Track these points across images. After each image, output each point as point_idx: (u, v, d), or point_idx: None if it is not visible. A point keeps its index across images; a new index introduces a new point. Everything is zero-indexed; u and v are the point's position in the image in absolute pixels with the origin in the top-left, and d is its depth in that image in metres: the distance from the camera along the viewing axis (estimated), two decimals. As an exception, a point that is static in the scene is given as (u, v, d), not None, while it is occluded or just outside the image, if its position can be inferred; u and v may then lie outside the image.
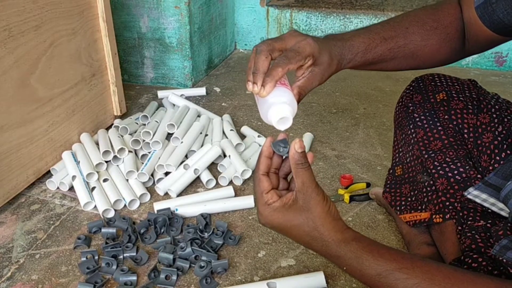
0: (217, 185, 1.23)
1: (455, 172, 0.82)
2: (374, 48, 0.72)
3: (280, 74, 0.58)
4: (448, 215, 0.80)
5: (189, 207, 1.11)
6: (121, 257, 0.97)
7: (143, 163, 1.25)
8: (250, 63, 0.62)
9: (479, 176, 0.80)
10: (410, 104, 0.92)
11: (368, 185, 1.21)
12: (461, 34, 0.76)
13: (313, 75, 0.65)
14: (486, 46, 0.77)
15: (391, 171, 0.99)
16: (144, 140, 1.31)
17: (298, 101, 0.64)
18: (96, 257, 0.97)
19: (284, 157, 0.62)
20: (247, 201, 1.13)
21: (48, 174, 1.26)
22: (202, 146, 1.34)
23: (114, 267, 0.94)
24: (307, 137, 1.41)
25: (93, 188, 1.17)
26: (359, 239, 0.56)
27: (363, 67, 0.74)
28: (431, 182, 0.84)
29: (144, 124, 1.46)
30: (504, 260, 0.62)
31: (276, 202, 0.58)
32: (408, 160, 0.93)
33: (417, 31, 0.74)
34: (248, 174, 1.24)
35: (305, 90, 0.65)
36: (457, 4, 0.77)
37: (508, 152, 0.79)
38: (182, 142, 1.31)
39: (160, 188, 1.19)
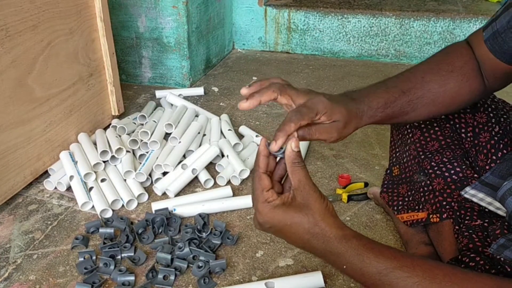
0: (215, 185, 1.23)
1: (452, 171, 0.82)
2: (394, 102, 0.72)
3: (292, 129, 0.59)
4: (445, 215, 0.80)
5: (187, 207, 1.11)
6: (119, 257, 0.97)
7: (141, 163, 1.25)
8: (259, 83, 0.64)
9: (475, 175, 0.81)
10: (407, 104, 0.92)
11: (366, 184, 1.21)
12: (478, 73, 0.75)
13: (327, 129, 0.65)
14: (506, 79, 0.75)
15: (388, 171, 0.99)
16: (142, 140, 1.31)
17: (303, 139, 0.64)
18: (94, 257, 0.97)
19: (278, 158, 0.62)
20: (245, 201, 1.13)
21: (45, 174, 1.26)
22: (200, 146, 1.34)
23: (112, 267, 0.94)
24: (305, 137, 1.41)
25: (91, 188, 1.17)
26: (359, 236, 0.56)
27: (384, 122, 0.74)
28: (428, 182, 0.84)
29: (142, 124, 1.46)
30: (502, 259, 0.62)
31: (276, 199, 0.58)
32: (405, 160, 0.93)
33: (433, 78, 0.74)
34: (246, 174, 1.24)
35: (311, 136, 0.64)
36: (466, 45, 0.77)
37: (505, 151, 0.79)
38: (180, 142, 1.31)
39: (158, 188, 1.19)
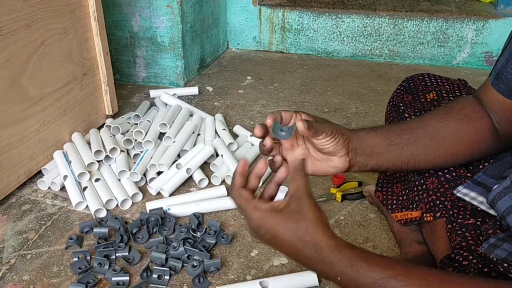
0: (210, 185, 1.23)
1: (445, 171, 0.82)
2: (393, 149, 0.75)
3: (300, 116, 0.64)
4: (439, 214, 0.81)
5: (182, 206, 1.11)
6: (113, 257, 0.97)
7: (135, 162, 1.25)
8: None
9: (468, 174, 0.81)
10: (401, 104, 0.93)
11: (360, 184, 1.22)
12: (483, 114, 0.74)
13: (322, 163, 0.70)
14: None
15: (383, 170, 1.00)
16: (136, 140, 1.31)
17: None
18: (88, 257, 0.97)
19: (278, 140, 0.65)
20: (239, 200, 1.13)
21: (39, 174, 1.25)
22: (194, 145, 1.34)
23: (106, 267, 0.94)
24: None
25: (85, 188, 1.16)
26: (351, 246, 0.55)
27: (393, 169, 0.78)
28: (422, 181, 0.85)
29: (136, 124, 1.46)
30: (495, 258, 0.62)
31: (266, 204, 0.57)
32: (399, 159, 0.93)
33: (431, 117, 0.76)
34: (240, 174, 1.24)
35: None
36: (472, 98, 0.77)
37: (498, 151, 0.80)
38: (174, 141, 1.31)
39: (152, 188, 1.19)
